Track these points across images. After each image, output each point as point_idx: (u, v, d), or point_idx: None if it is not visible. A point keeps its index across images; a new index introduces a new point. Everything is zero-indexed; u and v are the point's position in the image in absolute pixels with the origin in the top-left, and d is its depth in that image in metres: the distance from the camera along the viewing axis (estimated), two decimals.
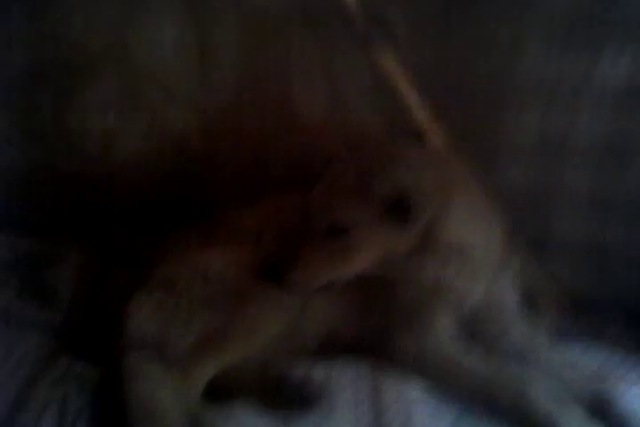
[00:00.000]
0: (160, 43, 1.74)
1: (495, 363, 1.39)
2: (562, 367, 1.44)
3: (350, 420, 1.31)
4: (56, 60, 1.77)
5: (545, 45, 1.58)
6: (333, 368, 1.43)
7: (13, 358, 1.41)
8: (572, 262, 1.73)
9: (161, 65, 1.77)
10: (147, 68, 1.77)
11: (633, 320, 1.68)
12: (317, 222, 1.38)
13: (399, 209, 1.31)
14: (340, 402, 1.34)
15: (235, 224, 1.58)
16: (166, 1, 1.72)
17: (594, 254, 1.70)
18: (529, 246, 1.65)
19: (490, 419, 1.31)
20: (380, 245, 1.35)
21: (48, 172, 1.89)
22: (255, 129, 1.80)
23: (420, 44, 1.63)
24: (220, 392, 1.39)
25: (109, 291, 1.66)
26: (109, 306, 1.56)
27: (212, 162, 1.87)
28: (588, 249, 1.70)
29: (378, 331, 1.46)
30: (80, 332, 1.55)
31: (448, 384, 1.38)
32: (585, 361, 1.52)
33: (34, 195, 1.92)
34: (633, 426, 1.30)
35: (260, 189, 1.70)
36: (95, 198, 1.92)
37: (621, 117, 1.59)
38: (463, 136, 1.64)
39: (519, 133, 1.65)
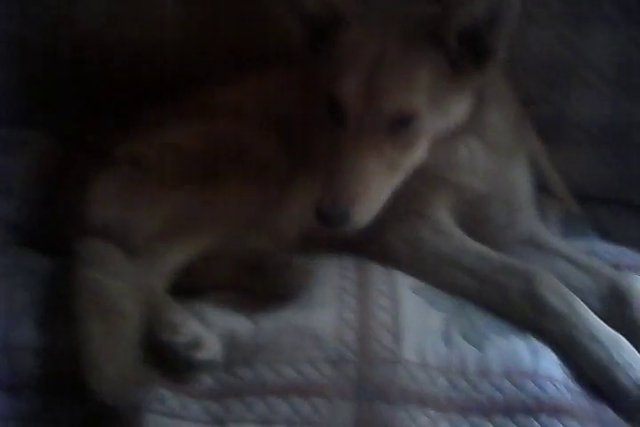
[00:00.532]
0: None
1: (500, 255, 1.23)
2: (576, 255, 1.29)
3: (332, 315, 1.15)
4: None
5: None
6: (316, 262, 1.27)
7: None
8: (587, 151, 1.59)
9: None
10: None
11: None
12: (370, 117, 1.11)
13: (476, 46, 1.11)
14: (322, 294, 1.19)
15: (208, 99, 1.40)
16: None
17: (611, 140, 1.55)
18: (545, 128, 1.47)
19: (483, 319, 1.16)
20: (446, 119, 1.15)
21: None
22: None
23: None
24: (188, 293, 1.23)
25: (71, 180, 1.49)
26: (69, 193, 1.38)
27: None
28: (605, 134, 1.55)
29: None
30: (36, 222, 1.40)
31: (442, 280, 1.22)
32: (598, 252, 1.39)
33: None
34: None
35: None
36: (65, 79, 1.72)
37: None
38: None
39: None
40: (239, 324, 1.14)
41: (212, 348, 1.10)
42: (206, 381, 1.07)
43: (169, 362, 1.08)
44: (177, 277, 1.24)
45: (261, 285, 1.23)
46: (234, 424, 1.01)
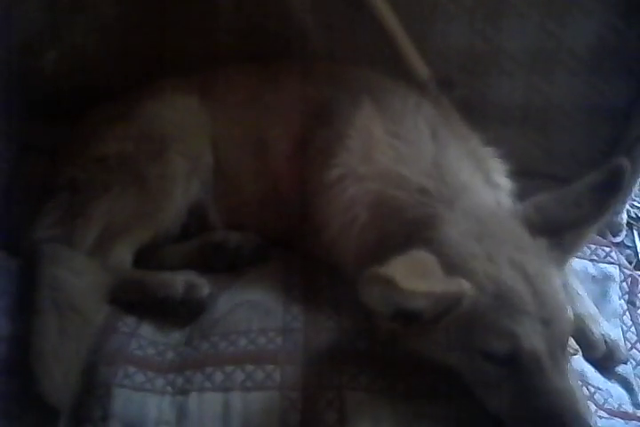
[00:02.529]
0: None
1: None
2: None
3: (279, 289, 1.29)
4: None
5: None
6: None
7: None
8: (512, 129, 1.67)
9: None
10: None
11: None
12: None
13: None
14: (271, 272, 1.32)
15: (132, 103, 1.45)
16: None
17: (532, 119, 1.65)
18: (470, 109, 1.55)
19: None
20: None
21: None
22: None
23: None
24: None
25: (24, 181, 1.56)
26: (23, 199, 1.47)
27: None
28: (526, 114, 1.65)
29: None
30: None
31: None
32: None
33: None
34: None
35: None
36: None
37: None
38: None
39: None
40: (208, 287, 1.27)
41: (206, 286, 1.26)
42: (168, 355, 1.18)
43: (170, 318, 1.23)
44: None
45: (219, 263, 1.36)
46: (196, 393, 1.11)
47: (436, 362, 1.09)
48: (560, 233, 1.12)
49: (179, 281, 1.26)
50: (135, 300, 1.27)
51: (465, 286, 1.02)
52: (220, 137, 1.43)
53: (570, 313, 1.10)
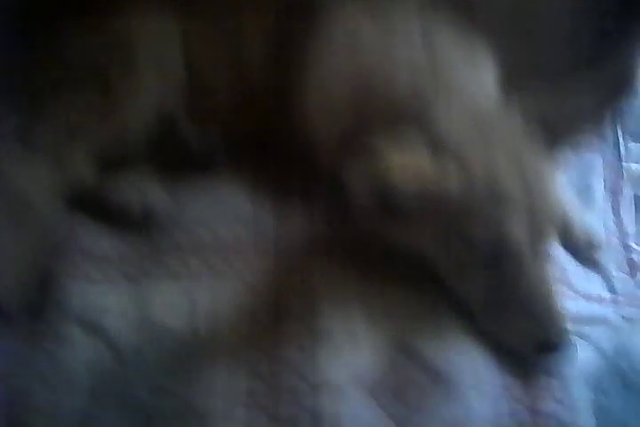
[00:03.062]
0: None
1: None
2: None
3: (247, 184, 1.22)
4: None
5: None
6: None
7: None
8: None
9: None
10: None
11: None
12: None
13: None
14: (239, 167, 1.24)
15: None
16: None
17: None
18: None
19: None
20: None
21: None
22: None
23: None
24: None
25: None
26: None
27: None
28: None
29: None
30: None
31: None
32: None
33: None
34: None
35: None
36: None
37: None
38: None
39: None
40: (155, 195, 1.18)
41: (164, 200, 1.17)
42: (125, 248, 1.11)
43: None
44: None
45: (177, 155, 1.26)
46: (155, 283, 1.06)
47: (413, 252, 1.05)
48: (556, 125, 1.07)
49: (136, 198, 1.17)
50: (89, 209, 1.18)
51: (453, 168, 0.97)
52: (192, 38, 1.28)
53: (557, 204, 1.06)
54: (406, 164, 0.93)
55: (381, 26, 1.19)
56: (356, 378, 0.97)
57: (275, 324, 1.02)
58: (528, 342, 1.00)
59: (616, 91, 1.04)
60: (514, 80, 1.30)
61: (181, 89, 1.27)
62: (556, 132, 1.05)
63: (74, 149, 1.21)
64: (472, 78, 1.16)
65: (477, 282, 1.01)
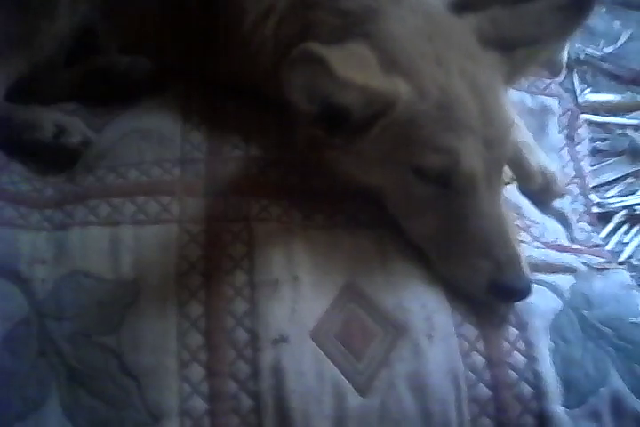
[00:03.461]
0: None
1: None
2: None
3: (179, 117, 1.10)
4: None
5: None
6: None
7: None
8: None
9: None
10: None
11: None
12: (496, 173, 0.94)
13: None
14: (167, 98, 1.13)
15: None
16: None
17: None
18: None
19: None
20: None
21: None
22: None
23: None
24: None
25: None
26: None
27: None
28: None
29: None
30: None
31: None
32: None
33: None
34: None
35: None
36: None
37: None
38: None
39: None
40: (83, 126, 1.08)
41: (78, 131, 1.06)
42: (46, 191, 1.01)
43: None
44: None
45: (106, 91, 1.15)
46: (78, 228, 0.95)
47: (360, 184, 0.96)
48: (513, 50, 0.97)
49: (48, 123, 1.07)
50: (1, 138, 1.08)
51: (404, 86, 0.87)
52: None
53: (513, 136, 0.98)
54: (353, 75, 0.83)
55: None
56: (300, 326, 0.88)
57: (208, 270, 0.92)
58: (484, 285, 0.91)
59: (573, 12, 0.96)
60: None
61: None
62: (514, 57, 0.97)
63: None
64: None
65: (429, 217, 0.93)
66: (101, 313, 0.88)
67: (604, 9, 1.74)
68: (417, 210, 0.94)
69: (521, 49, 0.97)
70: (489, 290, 0.91)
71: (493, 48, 0.96)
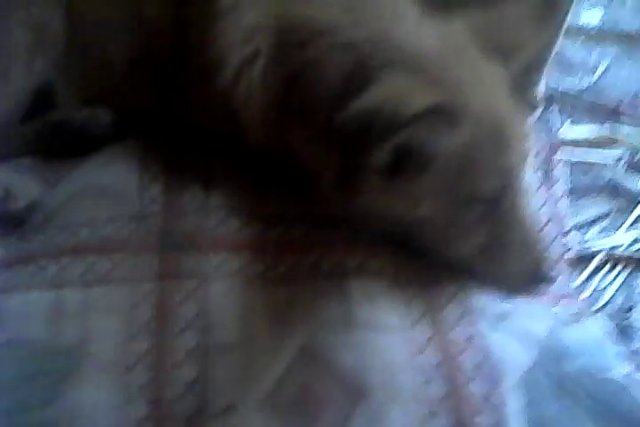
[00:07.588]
0: None
1: None
2: None
3: (134, 169, 1.08)
4: None
5: None
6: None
7: None
8: None
9: None
10: None
11: None
12: None
13: None
14: (124, 151, 1.10)
15: None
16: None
17: None
18: None
19: None
20: None
21: None
22: None
23: None
24: None
25: None
26: None
27: None
28: None
29: None
30: None
31: None
32: None
33: None
34: None
35: None
36: None
37: None
38: None
39: None
40: (32, 189, 1.04)
41: (25, 194, 1.03)
42: None
43: None
44: None
45: (61, 147, 1.12)
46: (21, 293, 0.91)
47: (397, 222, 0.95)
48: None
49: None
50: None
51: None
52: None
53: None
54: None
55: None
56: (251, 393, 0.84)
57: (159, 335, 0.88)
58: (525, 276, 0.97)
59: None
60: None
61: (63, 53, 1.12)
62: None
63: None
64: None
65: (475, 235, 0.95)
66: (39, 384, 0.83)
67: (581, 39, 1.73)
68: (462, 230, 0.95)
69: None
70: (528, 280, 0.97)
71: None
